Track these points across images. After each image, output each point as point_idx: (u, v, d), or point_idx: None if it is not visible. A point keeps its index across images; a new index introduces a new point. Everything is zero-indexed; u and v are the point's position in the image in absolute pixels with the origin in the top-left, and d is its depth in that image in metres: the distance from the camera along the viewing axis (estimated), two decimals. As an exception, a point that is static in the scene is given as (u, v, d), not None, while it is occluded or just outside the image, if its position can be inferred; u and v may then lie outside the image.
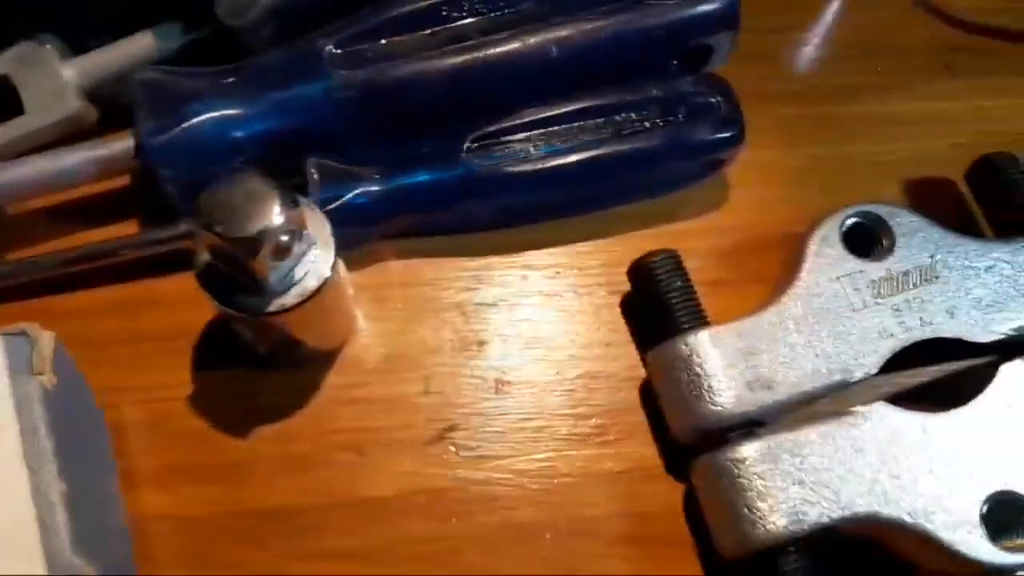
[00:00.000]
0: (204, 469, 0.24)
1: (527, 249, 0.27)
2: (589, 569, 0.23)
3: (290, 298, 0.21)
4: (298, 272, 0.21)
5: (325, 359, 0.25)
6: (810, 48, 0.31)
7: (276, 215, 0.20)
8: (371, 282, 0.26)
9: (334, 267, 0.22)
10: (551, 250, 0.27)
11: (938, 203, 0.28)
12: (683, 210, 0.27)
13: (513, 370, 0.25)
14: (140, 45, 0.26)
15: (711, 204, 0.28)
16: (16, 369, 0.20)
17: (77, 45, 0.26)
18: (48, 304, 0.25)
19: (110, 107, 0.26)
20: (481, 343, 0.26)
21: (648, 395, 0.25)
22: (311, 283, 0.21)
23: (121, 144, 0.24)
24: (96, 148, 0.25)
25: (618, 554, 0.23)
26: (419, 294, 0.26)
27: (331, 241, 0.22)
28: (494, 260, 0.27)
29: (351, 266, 0.26)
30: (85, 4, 0.25)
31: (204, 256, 0.21)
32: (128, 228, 0.26)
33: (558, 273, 0.27)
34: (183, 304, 0.25)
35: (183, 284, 0.23)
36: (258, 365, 0.25)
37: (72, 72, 0.25)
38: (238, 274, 0.21)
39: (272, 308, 0.21)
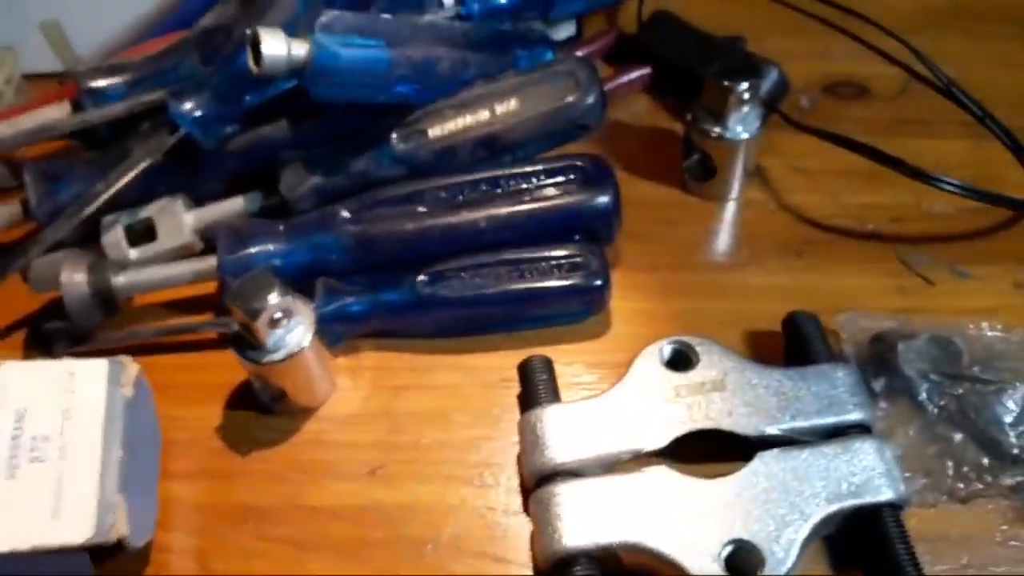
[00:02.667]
0: (213, 473, 0.35)
1: (458, 352, 0.38)
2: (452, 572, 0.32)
3: (277, 355, 0.34)
4: (287, 341, 0.34)
5: (308, 412, 0.37)
6: (691, 234, 0.42)
7: (272, 297, 0.33)
8: (350, 364, 0.38)
9: (312, 343, 0.34)
10: (475, 354, 0.38)
11: (764, 344, 0.37)
12: (574, 335, 0.38)
13: (429, 429, 0.36)
14: (235, 205, 0.41)
15: (595, 333, 0.38)
16: (112, 381, 0.33)
17: (197, 201, 0.41)
18: (151, 360, 0.39)
19: (210, 241, 0.41)
20: (415, 412, 0.37)
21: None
22: (293, 348, 0.34)
23: (209, 262, 0.39)
24: (194, 263, 0.39)
25: (477, 566, 0.32)
26: (379, 375, 0.38)
27: (312, 327, 0.34)
28: (434, 358, 0.38)
29: (338, 351, 0.38)
30: (204, 180, 0.41)
31: (234, 326, 0.34)
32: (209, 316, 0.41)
33: (475, 368, 0.38)
34: (227, 368, 0.38)
35: (229, 356, 0.36)
36: (263, 411, 0.37)
37: (190, 218, 0.41)
38: (249, 337, 0.34)
39: (264, 360, 0.34)
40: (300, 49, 0.35)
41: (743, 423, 0.32)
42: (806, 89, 0.48)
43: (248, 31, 0.35)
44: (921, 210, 0.42)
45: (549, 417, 0.33)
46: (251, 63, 0.35)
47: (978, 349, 0.34)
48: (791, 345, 0.36)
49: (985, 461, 0.31)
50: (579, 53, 0.47)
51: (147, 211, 0.41)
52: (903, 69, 0.47)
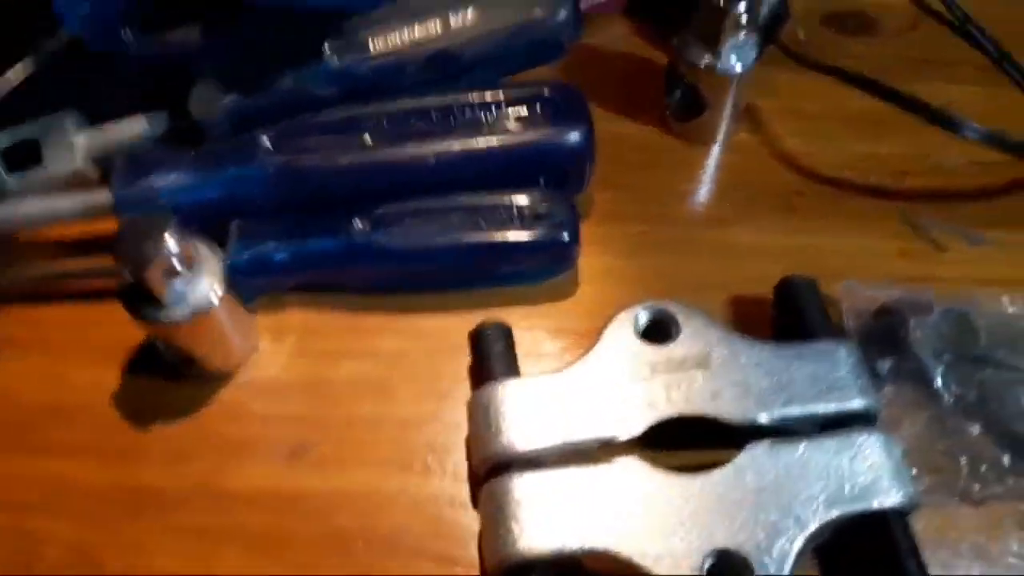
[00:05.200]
0: (107, 449, 0.30)
1: (400, 312, 0.33)
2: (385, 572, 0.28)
3: (177, 313, 0.28)
4: (189, 296, 0.28)
5: (222, 378, 0.31)
6: (671, 182, 0.37)
7: (167, 242, 0.27)
8: (272, 323, 0.33)
9: (222, 299, 0.29)
10: (420, 314, 0.33)
11: (751, 313, 0.32)
12: (535, 296, 0.33)
13: (365, 404, 0.31)
14: (136, 126, 0.34)
15: (561, 294, 0.33)
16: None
17: (91, 120, 0.34)
18: (32, 311, 0.33)
19: (108, 170, 0.34)
20: (349, 382, 0.31)
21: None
22: (197, 306, 0.28)
23: (102, 195, 0.32)
24: (86, 195, 0.33)
25: (416, 566, 0.28)
26: (307, 337, 0.32)
27: (222, 278, 0.29)
28: (372, 318, 0.33)
29: (259, 308, 0.32)
30: (99, 94, 0.34)
31: (127, 276, 0.28)
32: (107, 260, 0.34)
33: (420, 332, 0.32)
34: (126, 323, 0.31)
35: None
36: (170, 376, 0.31)
37: (83, 140, 0.34)
38: (143, 290, 0.28)
39: (162, 319, 0.28)
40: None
41: (730, 408, 0.28)
42: (804, 18, 0.42)
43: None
44: (930, 163, 0.37)
45: (504, 395, 0.28)
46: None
47: (997, 327, 0.30)
48: (784, 315, 0.31)
49: (1006, 460, 0.27)
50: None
51: (30, 130, 0.34)
52: (912, 2, 0.42)
